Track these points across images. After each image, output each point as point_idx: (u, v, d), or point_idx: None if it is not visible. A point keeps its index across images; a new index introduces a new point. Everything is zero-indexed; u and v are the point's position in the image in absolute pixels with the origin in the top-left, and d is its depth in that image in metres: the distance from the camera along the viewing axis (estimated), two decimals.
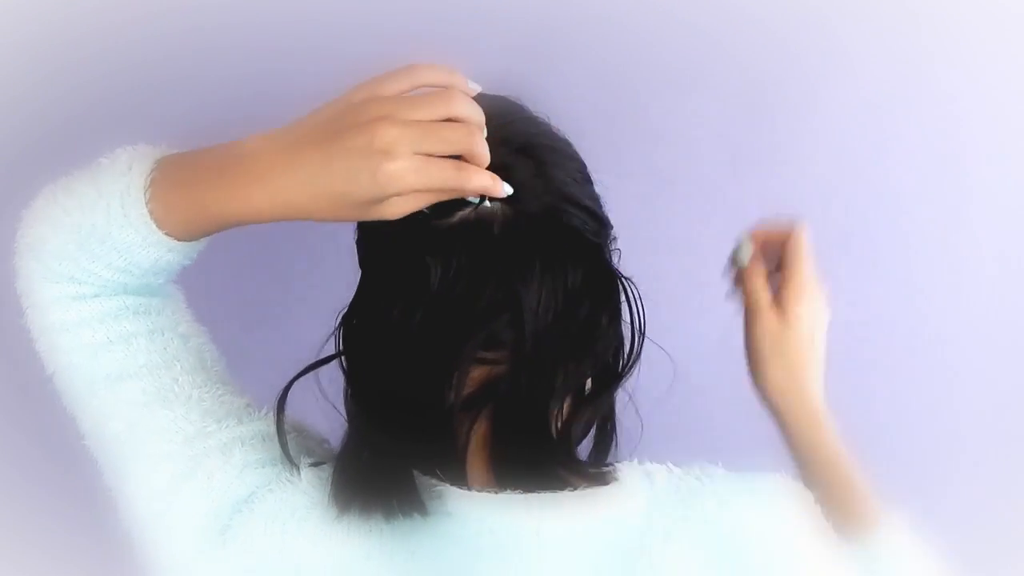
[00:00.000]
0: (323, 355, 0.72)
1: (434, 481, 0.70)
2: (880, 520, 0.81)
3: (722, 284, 0.87)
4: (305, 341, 0.75)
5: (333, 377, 0.72)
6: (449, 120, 0.64)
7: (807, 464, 0.84)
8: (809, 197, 1.09)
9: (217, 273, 0.79)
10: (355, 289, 0.73)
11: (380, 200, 0.63)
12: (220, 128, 0.76)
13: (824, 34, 1.06)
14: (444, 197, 0.65)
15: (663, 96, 1.07)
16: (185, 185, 0.69)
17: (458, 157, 0.64)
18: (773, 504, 0.72)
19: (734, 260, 0.86)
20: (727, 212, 1.10)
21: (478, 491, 0.70)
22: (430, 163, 0.63)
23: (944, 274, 1.09)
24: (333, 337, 0.72)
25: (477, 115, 0.65)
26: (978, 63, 1.05)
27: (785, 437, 0.85)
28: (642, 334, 0.72)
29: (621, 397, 0.75)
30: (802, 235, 0.84)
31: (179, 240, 0.71)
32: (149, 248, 0.70)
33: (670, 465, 0.74)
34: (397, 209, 0.64)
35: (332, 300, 0.74)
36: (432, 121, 0.63)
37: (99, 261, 0.71)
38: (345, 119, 0.64)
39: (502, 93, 0.73)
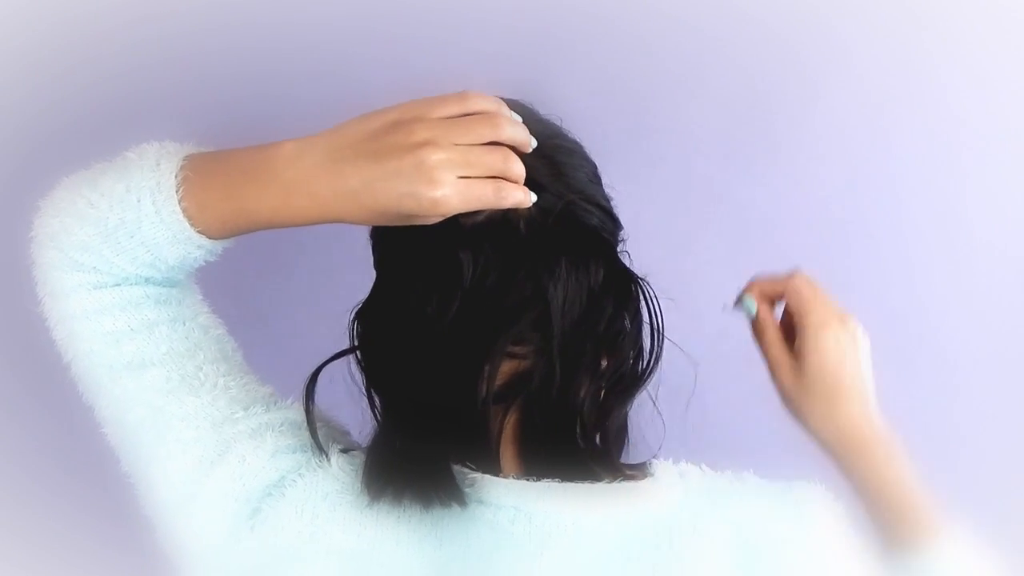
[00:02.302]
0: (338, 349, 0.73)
1: (466, 470, 0.71)
2: (935, 538, 0.79)
3: (721, 285, 0.87)
4: (303, 339, 0.75)
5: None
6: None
7: (858, 488, 0.81)
8: (809, 197, 1.10)
9: (213, 273, 0.79)
10: (353, 286, 0.73)
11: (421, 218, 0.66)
12: (223, 128, 0.76)
13: (824, 34, 1.06)
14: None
15: (663, 97, 1.07)
16: (223, 186, 0.69)
17: None
18: (800, 514, 0.72)
19: (744, 311, 0.83)
20: (727, 212, 1.10)
21: (515, 479, 0.70)
22: (471, 186, 0.66)
23: (944, 274, 1.09)
24: (347, 332, 0.73)
25: (522, 135, 0.68)
26: (978, 63, 1.05)
27: (833, 464, 0.82)
28: (661, 333, 0.73)
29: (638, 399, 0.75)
30: (802, 283, 0.81)
31: (211, 238, 0.71)
32: (178, 245, 0.70)
33: (703, 467, 0.75)
34: (434, 220, 0.67)
35: (326, 296, 0.74)
36: (474, 145, 0.66)
37: (124, 255, 0.71)
38: (390, 137, 0.66)
39: (514, 97, 0.73)
